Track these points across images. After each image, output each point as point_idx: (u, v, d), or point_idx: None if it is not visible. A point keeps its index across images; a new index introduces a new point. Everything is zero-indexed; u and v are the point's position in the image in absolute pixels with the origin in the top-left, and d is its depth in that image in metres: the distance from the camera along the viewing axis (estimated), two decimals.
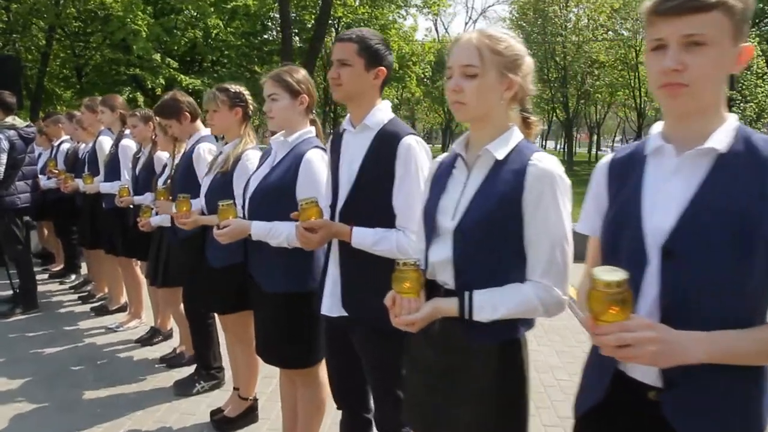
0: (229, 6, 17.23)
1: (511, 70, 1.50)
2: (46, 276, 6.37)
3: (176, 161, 3.75)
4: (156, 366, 4.03)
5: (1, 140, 4.84)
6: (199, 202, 3.07)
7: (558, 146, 57.84)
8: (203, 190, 3.02)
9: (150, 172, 4.17)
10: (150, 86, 15.85)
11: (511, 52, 1.51)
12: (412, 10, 21.80)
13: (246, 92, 3.01)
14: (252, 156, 2.87)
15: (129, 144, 4.51)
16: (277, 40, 20.98)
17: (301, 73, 2.46)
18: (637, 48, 31.48)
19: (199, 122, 3.50)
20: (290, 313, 2.41)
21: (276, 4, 18.84)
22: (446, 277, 1.54)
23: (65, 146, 6.01)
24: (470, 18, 47.31)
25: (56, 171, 5.63)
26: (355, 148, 2.01)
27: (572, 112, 33.79)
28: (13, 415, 3.34)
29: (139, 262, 4.61)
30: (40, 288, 5.55)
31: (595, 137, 44.38)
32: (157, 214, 3.87)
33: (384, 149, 1.94)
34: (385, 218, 1.95)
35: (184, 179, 3.38)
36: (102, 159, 4.75)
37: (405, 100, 37.08)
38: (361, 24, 20.41)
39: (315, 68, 16.70)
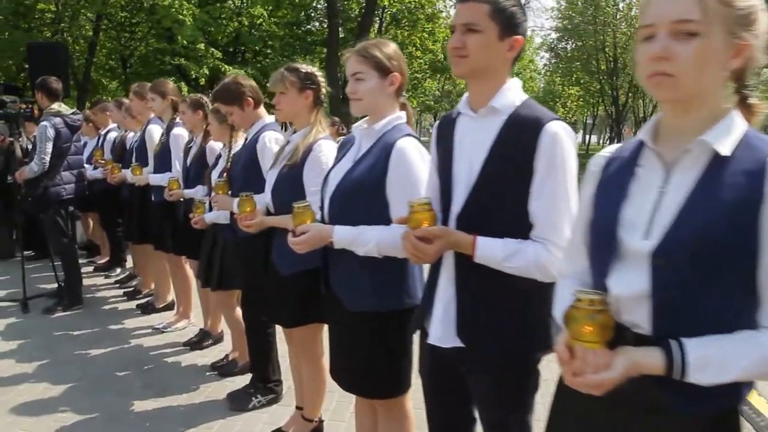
0: None
1: (744, 28, 1.07)
2: (91, 269, 6.16)
3: (233, 152, 3.41)
4: (207, 374, 3.71)
5: (46, 128, 4.60)
6: (264, 199, 2.71)
7: (601, 141, 56.21)
8: (269, 185, 2.65)
9: (202, 164, 3.85)
10: (194, 76, 15.70)
11: (744, 2, 1.07)
12: None
13: (319, 73, 2.62)
14: (325, 147, 2.49)
15: (181, 133, 4.19)
16: (322, 31, 20.71)
17: (392, 47, 2.06)
18: None
19: (262, 109, 3.14)
20: (377, 335, 2.02)
21: None
22: (638, 318, 1.12)
23: (112, 135, 5.76)
24: None
25: (103, 161, 5.39)
26: (478, 137, 1.59)
27: (621, 106, 32.65)
28: (59, 427, 3.06)
29: (189, 259, 4.29)
30: (85, 282, 5.31)
31: None
32: (211, 209, 3.55)
33: (519, 138, 1.52)
34: (516, 226, 1.54)
35: (246, 172, 3.03)
36: (151, 149, 4.46)
37: (446, 93, 36.30)
38: (407, 14, 19.95)
39: None
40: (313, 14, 20.89)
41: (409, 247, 1.52)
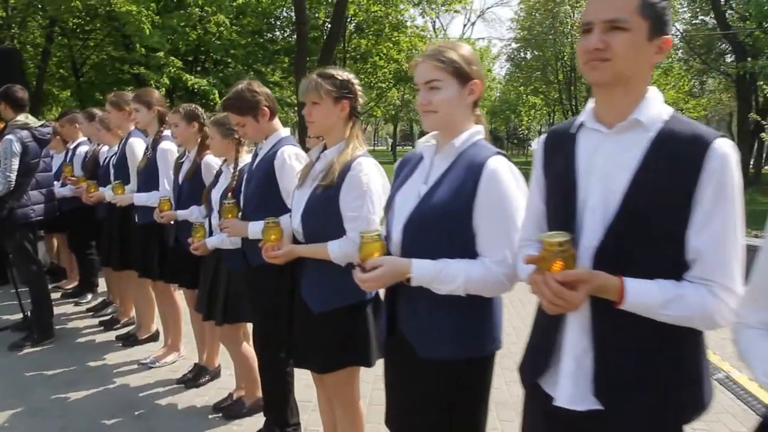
0: (238, 2, 16.45)
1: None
2: (58, 295, 5.62)
3: (238, 167, 3.06)
4: (209, 417, 3.31)
5: (12, 142, 4.12)
6: (289, 226, 2.37)
7: None
8: (297, 208, 2.31)
9: (197, 182, 3.47)
10: (154, 86, 15.02)
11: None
12: (425, 8, 21.02)
13: (356, 81, 2.31)
14: (366, 166, 2.18)
15: (170, 147, 3.79)
16: (285, 39, 20.29)
17: (468, 49, 1.77)
18: None
19: (277, 120, 2.80)
20: (456, 386, 1.72)
21: (285, 1, 18.19)
22: None
23: (83, 149, 5.27)
24: (468, 20, 46.67)
25: (74, 177, 4.91)
26: (615, 156, 1.32)
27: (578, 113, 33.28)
28: None
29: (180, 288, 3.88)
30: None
31: None
32: (211, 233, 3.18)
33: (677, 158, 1.25)
34: (667, 264, 1.27)
35: (260, 193, 2.68)
36: (133, 165, 4.03)
37: (406, 102, 36.31)
38: (372, 23, 19.74)
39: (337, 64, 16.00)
40: (276, 23, 20.44)
41: (548, 294, 1.23)
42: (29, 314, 4.60)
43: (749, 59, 20.24)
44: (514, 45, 34.79)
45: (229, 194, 2.99)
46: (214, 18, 16.00)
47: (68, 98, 19.29)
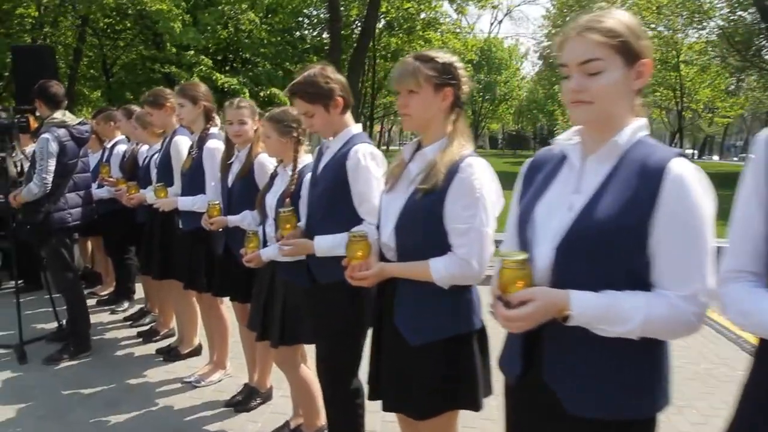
0: (267, 0, 16.25)
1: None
2: (93, 302, 5.34)
3: (297, 169, 2.70)
4: None
5: (48, 142, 3.83)
6: (374, 240, 1.99)
7: None
8: (387, 217, 1.93)
9: (249, 184, 3.13)
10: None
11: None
12: (460, 4, 20.51)
13: (460, 65, 1.93)
14: (478, 168, 1.79)
15: (217, 146, 3.45)
16: (314, 38, 20.06)
17: (629, 17, 1.37)
18: (678, 48, 30.28)
19: (350, 115, 2.43)
20: None
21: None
22: None
23: (120, 148, 4.99)
24: (495, 18, 45.81)
25: (111, 179, 4.62)
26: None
27: None
28: None
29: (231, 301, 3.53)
30: None
31: None
32: (266, 243, 2.83)
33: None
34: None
35: (330, 199, 2.32)
36: (177, 166, 3.71)
37: None
38: (402, 21, 19.34)
39: (365, 65, 15.68)
40: (305, 21, 20.21)
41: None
42: (64, 324, 4.32)
43: None
44: (546, 42, 34.08)
45: (287, 200, 2.64)
46: (244, 15, 15.82)
47: (98, 98, 19.31)
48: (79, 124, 4.03)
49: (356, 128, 2.42)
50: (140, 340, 4.49)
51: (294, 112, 2.65)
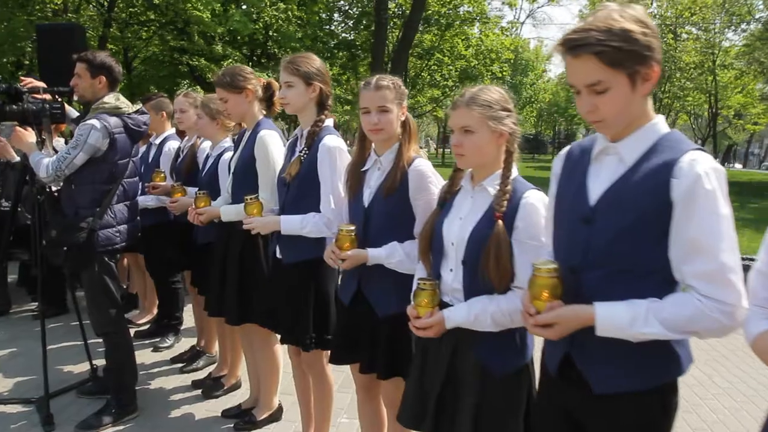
0: None
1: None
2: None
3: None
4: None
5: (92, 130, 2.82)
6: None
7: None
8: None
9: (399, 202, 2.13)
10: (212, 80, 13.86)
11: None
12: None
13: None
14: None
15: (339, 144, 2.43)
16: (343, 34, 19.08)
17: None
18: (716, 51, 29.16)
19: None
20: None
21: None
22: None
23: (172, 145, 3.99)
24: (517, 18, 44.58)
25: (164, 184, 3.63)
26: None
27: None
28: None
29: None
30: None
31: None
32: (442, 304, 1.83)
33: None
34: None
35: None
36: (266, 172, 2.70)
37: None
38: (439, 16, 18.28)
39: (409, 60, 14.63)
40: (335, 16, 19.19)
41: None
42: (99, 369, 3.34)
43: None
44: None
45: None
46: (270, 9, 14.79)
47: (120, 91, 18.38)
48: (137, 112, 3.02)
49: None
50: (198, 392, 3.47)
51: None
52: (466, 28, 18.66)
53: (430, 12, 17.72)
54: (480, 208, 1.80)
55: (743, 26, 28.37)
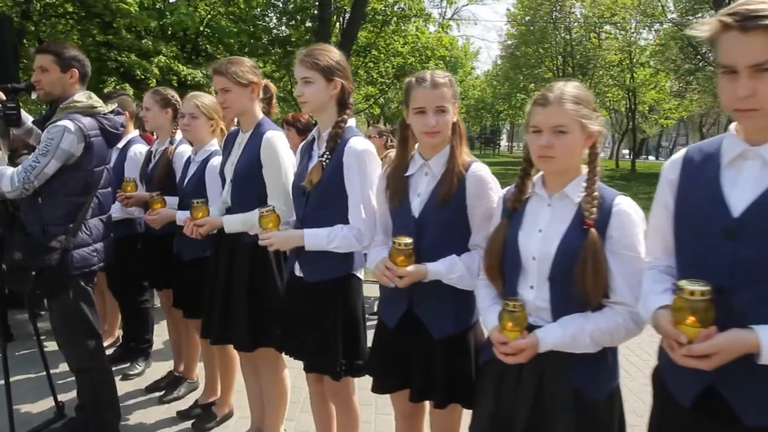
0: None
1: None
2: None
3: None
4: None
5: (65, 133, 2.42)
6: None
7: None
8: None
9: (455, 209, 1.91)
10: (141, 76, 13.02)
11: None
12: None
13: None
14: None
15: (368, 147, 2.17)
16: (278, 29, 18.53)
17: None
18: (633, 50, 30.65)
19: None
20: None
21: None
22: None
23: (137, 149, 3.56)
24: (443, 17, 45.33)
25: (136, 194, 3.22)
26: None
27: None
28: None
29: None
30: None
31: None
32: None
33: None
34: None
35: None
36: (276, 179, 2.39)
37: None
38: (384, 10, 18.07)
39: (350, 57, 14.32)
40: (268, 11, 18.57)
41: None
42: (61, 404, 2.92)
43: None
44: (509, 41, 33.86)
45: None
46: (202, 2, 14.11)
47: None
48: (113, 112, 2.62)
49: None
50: (187, 425, 3.10)
51: None
52: (403, 26, 18.55)
53: (368, 8, 17.48)
54: (563, 219, 1.62)
55: (656, 27, 29.98)
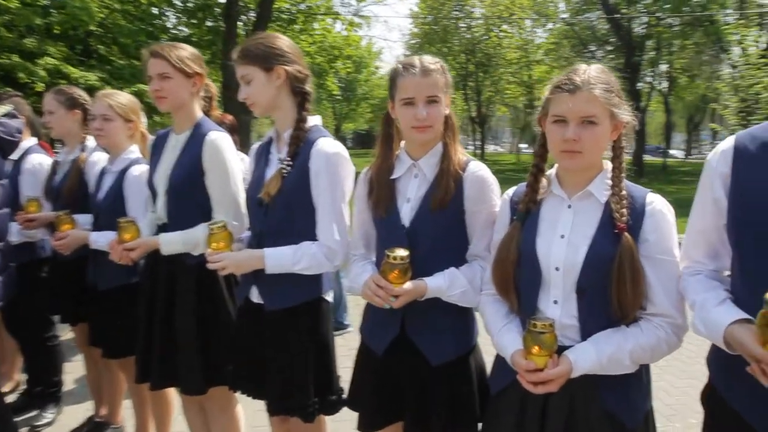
0: None
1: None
2: None
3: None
4: None
5: None
6: None
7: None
8: None
9: (451, 218, 1.66)
10: (26, 80, 11.78)
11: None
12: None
13: None
14: None
15: (338, 151, 1.86)
16: (177, 29, 17.56)
17: None
18: (529, 48, 32.09)
19: None
20: None
21: None
22: None
23: (37, 160, 3.02)
24: (353, 15, 45.41)
25: (40, 215, 2.72)
26: None
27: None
28: None
29: None
30: None
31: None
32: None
33: None
34: None
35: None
36: (224, 191, 2.03)
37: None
38: (279, 12, 17.55)
39: None
40: (164, 8, 17.51)
41: None
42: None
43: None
44: (413, 41, 34.31)
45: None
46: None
47: None
48: (6, 116, 2.13)
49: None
50: None
51: None
52: (310, 25, 18.14)
53: (274, 6, 16.92)
54: (589, 222, 1.41)
55: (549, 26, 31.51)
